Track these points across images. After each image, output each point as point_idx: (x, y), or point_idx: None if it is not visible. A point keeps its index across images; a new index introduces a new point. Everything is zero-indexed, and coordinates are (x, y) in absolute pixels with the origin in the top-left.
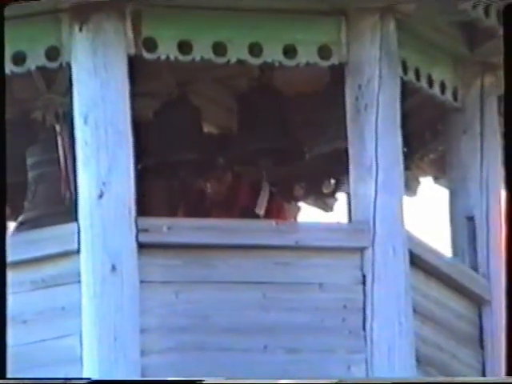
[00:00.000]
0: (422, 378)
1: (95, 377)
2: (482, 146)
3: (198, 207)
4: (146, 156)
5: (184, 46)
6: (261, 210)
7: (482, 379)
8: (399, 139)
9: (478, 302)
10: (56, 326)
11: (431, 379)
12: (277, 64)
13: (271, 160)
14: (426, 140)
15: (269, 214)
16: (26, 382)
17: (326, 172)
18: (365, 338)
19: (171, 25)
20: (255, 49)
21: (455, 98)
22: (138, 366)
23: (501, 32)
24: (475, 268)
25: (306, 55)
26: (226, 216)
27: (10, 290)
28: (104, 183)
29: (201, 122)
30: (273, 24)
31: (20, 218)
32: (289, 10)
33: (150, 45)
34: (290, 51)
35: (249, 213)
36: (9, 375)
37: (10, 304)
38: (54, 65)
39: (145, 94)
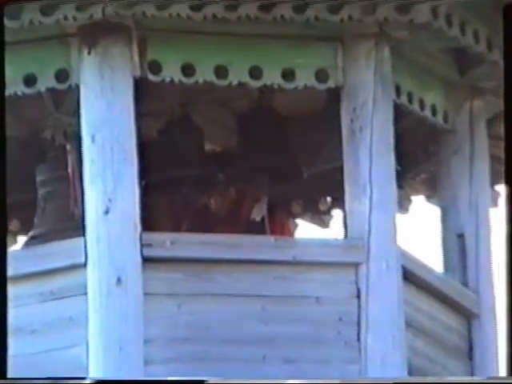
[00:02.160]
0: (422, 378)
1: None
2: (471, 166)
3: (201, 222)
4: (150, 173)
5: (187, 69)
6: (257, 217)
7: (481, 379)
8: (392, 159)
9: (468, 316)
10: (63, 337)
11: (431, 379)
12: (276, 87)
13: (270, 178)
14: (418, 160)
15: (268, 230)
16: (26, 381)
17: (323, 190)
18: (359, 349)
19: (175, 49)
20: (255, 72)
21: (446, 121)
22: (142, 375)
23: (490, 58)
24: (465, 283)
25: (304, 78)
26: (227, 231)
27: (19, 301)
28: (110, 199)
29: (202, 141)
30: (272, 48)
31: (30, 233)
32: (288, 35)
33: (155, 68)
34: (288, 74)
35: (249, 227)
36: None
37: (19, 315)
38: (63, 86)
39: (149, 114)
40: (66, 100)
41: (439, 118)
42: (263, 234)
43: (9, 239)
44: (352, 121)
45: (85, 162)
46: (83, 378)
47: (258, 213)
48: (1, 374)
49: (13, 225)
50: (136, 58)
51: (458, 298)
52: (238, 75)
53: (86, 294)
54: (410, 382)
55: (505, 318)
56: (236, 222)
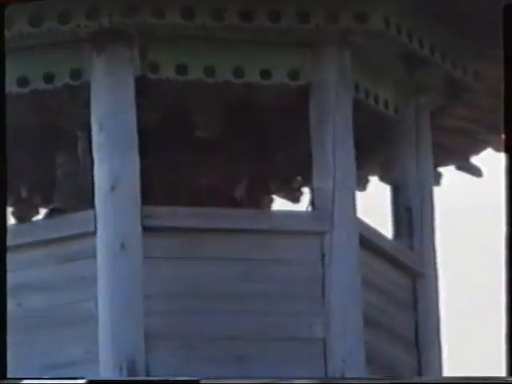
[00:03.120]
0: (422, 378)
1: (108, 334)
2: (417, 151)
3: (193, 198)
4: (149, 156)
5: (180, 69)
6: (239, 194)
7: (481, 378)
8: (352, 145)
9: (413, 275)
10: (76, 292)
11: (431, 379)
12: (255, 84)
13: (251, 160)
14: (373, 146)
15: (248, 204)
16: (25, 381)
17: (295, 171)
18: (323, 303)
19: (171, 52)
20: (238, 72)
21: (396, 112)
22: (142, 325)
23: (432, 60)
24: (411, 248)
25: (279, 77)
26: (215, 205)
27: (39, 263)
28: (116, 178)
29: (194, 129)
30: (252, 52)
31: (50, 206)
32: (265, 41)
33: (154, 68)
34: (265, 74)
35: (232, 202)
36: (31, 335)
37: (38, 274)
38: (76, 83)
39: (148, 106)
40: (79, 95)
41: (391, 111)
42: (245, 207)
43: (32, 211)
44: (318, 112)
45: (94, 147)
46: (82, 378)
47: (241, 190)
48: (1, 373)
49: (36, 199)
50: (137, 59)
51: (405, 260)
52: (223, 74)
53: (95, 257)
54: (411, 382)
55: (505, 317)
56: (222, 197)
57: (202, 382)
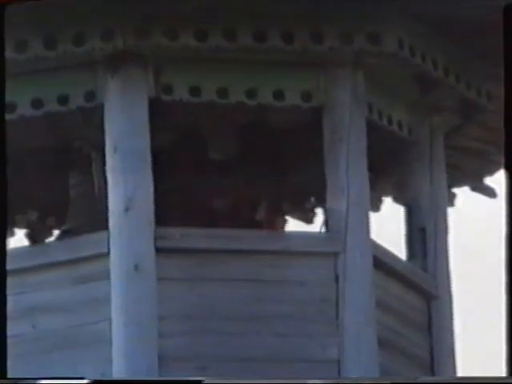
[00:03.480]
0: (422, 377)
1: (122, 356)
2: (431, 172)
3: (206, 220)
4: (163, 178)
5: (194, 91)
6: (258, 217)
7: (481, 378)
8: (365, 165)
9: (427, 297)
10: (90, 314)
11: (431, 379)
12: (268, 105)
13: (265, 182)
14: (387, 167)
15: (262, 225)
16: (25, 381)
17: (309, 192)
18: (337, 325)
19: (184, 74)
20: (251, 93)
21: (410, 134)
22: (156, 347)
23: (446, 82)
24: (425, 269)
25: (292, 98)
26: (228, 226)
27: (53, 285)
28: (130, 200)
29: (207, 151)
30: (265, 73)
31: (63, 227)
32: (278, 61)
33: (167, 89)
34: (278, 95)
35: (246, 223)
36: (48, 355)
37: (52, 296)
38: (90, 105)
39: (162, 128)
40: (93, 116)
41: (404, 131)
42: (258, 228)
43: (45, 233)
44: (332, 133)
45: (108, 169)
46: (82, 378)
47: (254, 212)
48: (1, 374)
49: (49, 221)
50: (151, 81)
51: (419, 282)
52: (236, 95)
53: (109, 278)
54: (411, 382)
55: (505, 317)
56: (236, 219)
57: (206, 382)
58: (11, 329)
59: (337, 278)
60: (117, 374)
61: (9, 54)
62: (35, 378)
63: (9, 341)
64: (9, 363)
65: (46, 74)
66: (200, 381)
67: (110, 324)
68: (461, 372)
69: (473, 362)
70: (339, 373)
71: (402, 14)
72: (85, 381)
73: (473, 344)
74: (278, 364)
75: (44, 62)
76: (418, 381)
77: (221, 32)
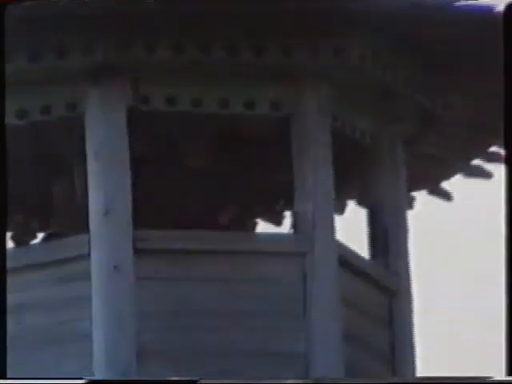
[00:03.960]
0: (422, 377)
1: (102, 351)
2: (391, 177)
3: (181, 222)
4: (141, 184)
5: (170, 101)
6: (226, 221)
7: (481, 378)
8: (331, 171)
9: (389, 293)
10: (73, 312)
11: (431, 379)
12: (239, 115)
13: (237, 187)
14: (351, 173)
15: (234, 227)
16: (25, 381)
17: (278, 196)
18: (305, 321)
19: (161, 85)
20: (223, 103)
21: (372, 141)
22: (134, 343)
23: (406, 93)
24: (387, 267)
25: (261, 109)
26: (202, 228)
27: (37, 284)
28: (109, 204)
29: (182, 158)
30: (237, 85)
31: (47, 231)
32: (250, 74)
33: (145, 100)
34: (249, 105)
35: (219, 225)
36: (28, 350)
37: (36, 295)
38: (72, 115)
39: (140, 136)
40: (75, 126)
41: (367, 139)
42: (231, 230)
43: (29, 236)
44: (299, 141)
45: (89, 174)
46: (80, 378)
47: (227, 215)
48: (1, 374)
49: (33, 224)
50: (130, 92)
51: (381, 280)
52: (209, 106)
53: (89, 278)
54: (410, 382)
55: (504, 317)
56: (209, 221)
57: (201, 382)
58: None
59: (304, 276)
60: (97, 368)
61: None
62: (35, 378)
63: None
64: None
65: (29, 86)
66: (195, 381)
67: (91, 322)
68: (419, 365)
69: (431, 355)
70: (307, 366)
71: (365, 30)
72: (84, 381)
73: (431, 338)
74: (250, 357)
75: (28, 74)
76: (419, 380)
77: (196, 46)
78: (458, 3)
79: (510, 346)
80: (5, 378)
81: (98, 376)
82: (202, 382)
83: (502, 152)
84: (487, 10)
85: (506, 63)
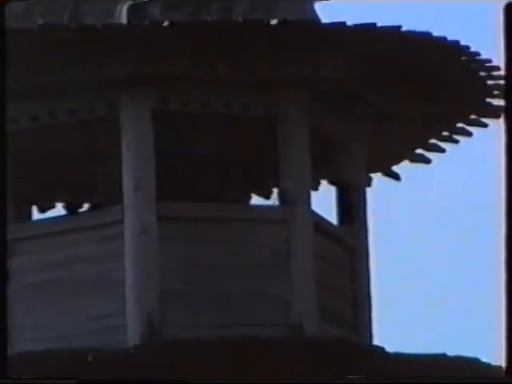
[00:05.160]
0: (423, 377)
1: (132, 295)
2: (355, 162)
3: (194, 196)
4: (162, 168)
5: (184, 104)
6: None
7: (481, 378)
8: (308, 158)
9: (352, 251)
10: (110, 264)
11: (431, 378)
12: (239, 114)
13: (236, 170)
14: (325, 159)
15: (234, 200)
16: (26, 381)
17: (268, 176)
18: (287, 273)
19: (177, 92)
20: (225, 105)
21: (341, 135)
22: (158, 289)
23: (366, 98)
24: (351, 231)
25: (256, 110)
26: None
27: (84, 243)
28: (137, 182)
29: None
30: (235, 91)
31: (91, 202)
32: (246, 84)
33: (165, 103)
34: (246, 107)
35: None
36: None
37: (83, 250)
38: (110, 114)
39: (163, 132)
40: (112, 122)
41: (337, 134)
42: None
43: (78, 206)
44: (284, 136)
45: (123, 161)
46: (73, 379)
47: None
48: (1, 374)
49: (81, 197)
50: (153, 97)
51: (346, 240)
52: (215, 107)
53: (123, 239)
54: (410, 382)
55: (504, 317)
56: (215, 197)
57: (195, 382)
58: (52, 274)
59: (287, 238)
60: (129, 308)
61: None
62: (35, 377)
63: (50, 284)
64: (48, 302)
65: (79, 91)
66: (189, 381)
67: (124, 272)
68: (375, 307)
69: (384, 300)
70: (288, 307)
71: (336, 50)
72: (72, 381)
73: (384, 288)
74: (243, 301)
75: (76, 82)
76: (419, 381)
77: (204, 62)
78: (403, 29)
79: (510, 346)
80: (5, 377)
81: (128, 314)
82: (196, 382)
83: (440, 143)
84: (426, 34)
85: (506, 62)
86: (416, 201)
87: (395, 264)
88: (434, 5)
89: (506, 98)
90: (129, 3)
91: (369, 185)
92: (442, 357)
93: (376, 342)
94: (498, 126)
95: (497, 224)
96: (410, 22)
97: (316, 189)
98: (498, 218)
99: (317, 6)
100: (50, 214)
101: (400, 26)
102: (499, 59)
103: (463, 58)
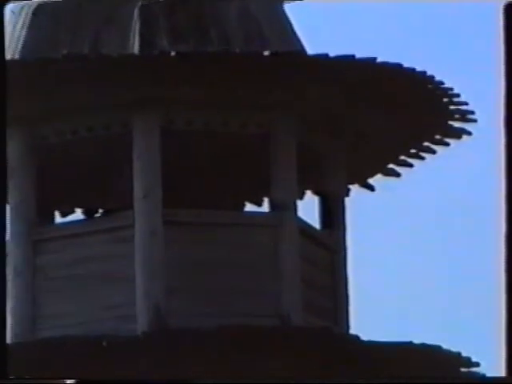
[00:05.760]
0: (422, 378)
1: (141, 289)
2: (335, 174)
3: (195, 204)
4: (168, 178)
5: (188, 123)
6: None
7: (481, 378)
8: (295, 170)
9: (332, 253)
10: (122, 263)
11: (433, 378)
12: (237, 132)
13: (235, 183)
14: (308, 171)
15: (231, 207)
16: (26, 381)
17: (261, 187)
18: (277, 270)
19: (182, 112)
20: (225, 124)
21: (323, 152)
22: (164, 285)
23: (345, 119)
24: (331, 236)
25: (253, 128)
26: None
27: (99, 243)
28: (146, 190)
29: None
30: (234, 112)
31: (105, 208)
32: (244, 107)
33: (171, 122)
34: (243, 126)
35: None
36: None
37: (98, 250)
38: (124, 131)
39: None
40: (125, 138)
41: (320, 150)
42: (228, 209)
43: (94, 211)
44: (275, 151)
45: (133, 171)
46: (68, 378)
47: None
48: (1, 374)
49: (97, 204)
50: (161, 116)
51: (328, 243)
52: (216, 126)
53: (133, 240)
54: (409, 382)
55: (504, 318)
56: (214, 204)
57: (196, 381)
58: (72, 271)
59: (277, 240)
60: (138, 299)
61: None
62: (35, 378)
63: (70, 279)
64: (69, 294)
65: (98, 109)
66: (190, 380)
67: (134, 269)
68: (352, 301)
69: (363, 295)
70: (277, 300)
71: (320, 77)
72: (67, 381)
73: (362, 285)
74: (240, 294)
75: (95, 102)
76: (419, 381)
77: (205, 87)
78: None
79: (510, 345)
80: (5, 377)
81: (138, 305)
82: (197, 381)
83: (408, 159)
84: (397, 66)
85: (506, 62)
86: (387, 209)
87: (370, 263)
88: (435, 5)
89: (505, 98)
90: (140, 35)
91: (347, 195)
92: (408, 344)
93: (352, 331)
94: (459, 145)
95: (469, 233)
96: (410, 23)
97: (301, 198)
98: (467, 227)
99: (304, 39)
100: (70, 218)
101: (375, 58)
102: (460, 87)
103: (429, 86)
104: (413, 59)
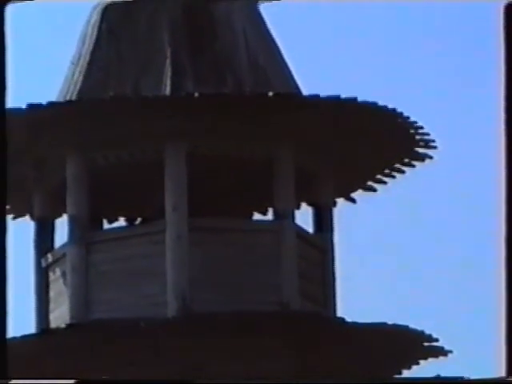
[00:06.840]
0: (423, 378)
1: (171, 282)
2: (324, 190)
3: (213, 213)
4: (191, 196)
5: (210, 150)
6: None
7: (481, 379)
8: (293, 187)
9: (323, 253)
10: (156, 261)
11: (431, 379)
12: (244, 157)
13: (241, 198)
14: (303, 187)
15: (241, 216)
16: (27, 381)
17: (265, 201)
18: (278, 268)
19: (205, 141)
20: (228, 149)
21: (314, 168)
22: (189, 279)
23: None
24: (321, 237)
25: (259, 156)
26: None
27: (137, 245)
28: (175, 204)
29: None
30: (243, 143)
31: (143, 217)
32: (248, 138)
33: (195, 149)
34: (251, 151)
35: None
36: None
37: (137, 252)
38: (157, 158)
39: (192, 174)
40: (158, 164)
41: (312, 171)
42: (239, 218)
43: (134, 219)
44: (276, 174)
45: (165, 190)
46: (71, 379)
47: (238, 210)
48: (1, 374)
49: (136, 213)
50: (187, 145)
51: (319, 244)
52: (224, 152)
53: (165, 242)
54: (410, 382)
55: (504, 318)
56: (227, 214)
57: (196, 382)
58: (117, 266)
59: (279, 243)
60: (168, 291)
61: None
62: (36, 377)
63: (115, 273)
64: (114, 285)
65: (136, 141)
66: (190, 381)
67: (165, 266)
68: (339, 293)
69: (349, 288)
70: (279, 292)
71: (314, 113)
72: (69, 381)
73: (348, 279)
74: (249, 286)
75: (130, 135)
76: (419, 381)
77: (220, 120)
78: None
79: (510, 346)
80: (5, 377)
81: (168, 294)
82: (197, 382)
83: (383, 178)
84: (373, 104)
85: (506, 62)
86: (367, 217)
87: (354, 260)
88: (434, 5)
89: (505, 98)
90: (171, 80)
91: (334, 206)
92: (383, 325)
93: (339, 314)
94: (423, 167)
95: (442, 251)
96: (410, 23)
97: (298, 208)
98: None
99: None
100: (116, 224)
101: (356, 98)
102: (425, 119)
103: (399, 120)
104: (413, 59)
